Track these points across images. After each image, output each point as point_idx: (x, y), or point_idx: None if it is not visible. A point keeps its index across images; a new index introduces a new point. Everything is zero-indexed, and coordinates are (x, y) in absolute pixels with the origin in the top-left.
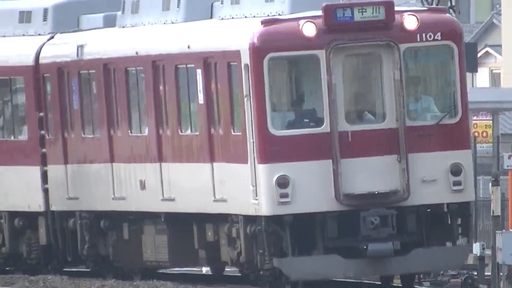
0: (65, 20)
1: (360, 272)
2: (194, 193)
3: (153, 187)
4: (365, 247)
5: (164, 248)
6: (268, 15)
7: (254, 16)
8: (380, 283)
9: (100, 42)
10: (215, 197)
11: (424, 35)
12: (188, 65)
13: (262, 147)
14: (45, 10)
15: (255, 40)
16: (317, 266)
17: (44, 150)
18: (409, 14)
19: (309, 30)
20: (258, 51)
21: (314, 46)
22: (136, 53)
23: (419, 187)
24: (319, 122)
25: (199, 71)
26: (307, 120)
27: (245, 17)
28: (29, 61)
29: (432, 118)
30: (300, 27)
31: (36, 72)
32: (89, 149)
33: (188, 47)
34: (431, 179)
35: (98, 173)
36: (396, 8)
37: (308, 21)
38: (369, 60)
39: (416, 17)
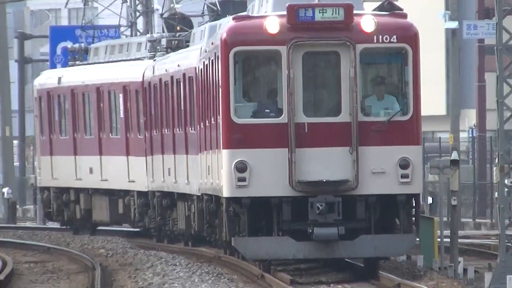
0: None
1: (308, 253)
2: None
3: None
4: (311, 230)
5: None
6: None
7: None
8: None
9: None
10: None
11: (380, 37)
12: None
13: (225, 134)
14: (203, 31)
15: (225, 35)
16: (270, 247)
17: None
18: (367, 17)
19: (273, 27)
20: (226, 44)
21: (277, 42)
22: None
23: (368, 177)
24: (278, 113)
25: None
26: (268, 111)
27: None
28: None
29: (385, 115)
30: (265, 24)
31: None
32: None
33: None
34: (380, 171)
35: None
36: (357, 11)
37: (272, 18)
38: (327, 57)
39: (374, 20)
